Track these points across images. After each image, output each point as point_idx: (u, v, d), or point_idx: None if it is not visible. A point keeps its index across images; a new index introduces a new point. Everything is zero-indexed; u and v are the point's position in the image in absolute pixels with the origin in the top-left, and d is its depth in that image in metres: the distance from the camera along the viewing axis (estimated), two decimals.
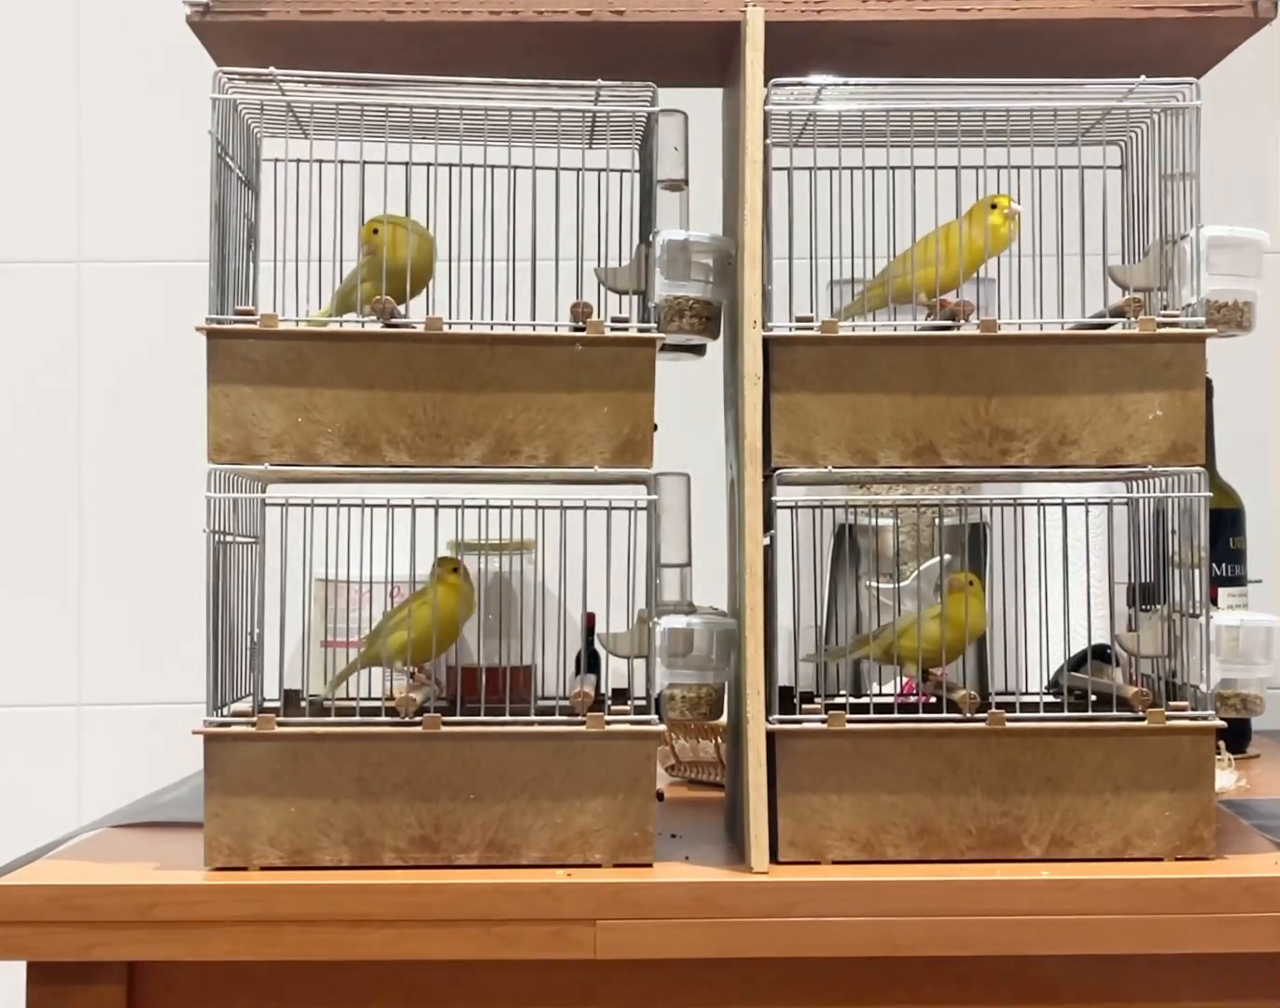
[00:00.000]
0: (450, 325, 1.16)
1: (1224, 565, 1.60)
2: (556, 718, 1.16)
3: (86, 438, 1.84)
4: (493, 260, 1.24)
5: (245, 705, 1.19)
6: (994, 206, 1.21)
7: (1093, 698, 1.23)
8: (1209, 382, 1.21)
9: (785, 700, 1.17)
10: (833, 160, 1.20)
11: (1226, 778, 1.44)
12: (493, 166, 1.22)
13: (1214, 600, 1.56)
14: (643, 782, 1.15)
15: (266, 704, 1.19)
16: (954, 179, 1.21)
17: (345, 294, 1.22)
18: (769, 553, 1.15)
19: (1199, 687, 1.16)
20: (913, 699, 1.28)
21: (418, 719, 1.14)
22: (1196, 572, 1.18)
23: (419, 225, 1.20)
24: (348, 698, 1.28)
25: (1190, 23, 1.23)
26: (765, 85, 1.16)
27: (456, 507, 1.19)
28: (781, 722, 1.15)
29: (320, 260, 1.22)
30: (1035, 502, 1.27)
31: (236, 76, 1.18)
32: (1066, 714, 1.17)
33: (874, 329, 1.20)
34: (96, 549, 1.84)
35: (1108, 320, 1.21)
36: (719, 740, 1.50)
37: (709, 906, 1.10)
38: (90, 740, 1.84)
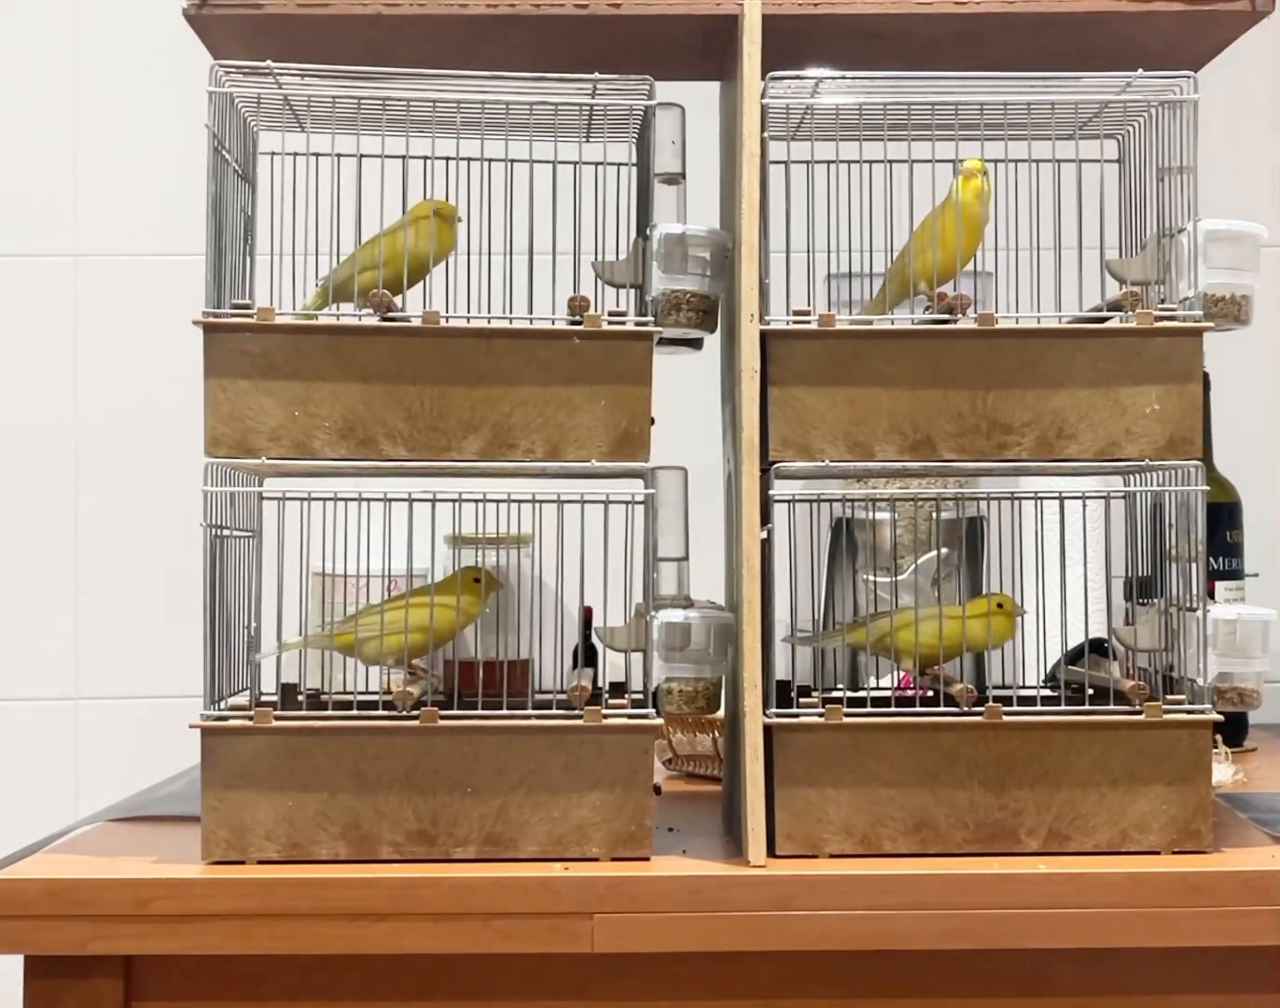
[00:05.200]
0: (447, 319, 1.16)
1: (1221, 559, 1.61)
2: (554, 712, 1.16)
3: (83, 432, 1.84)
4: (490, 254, 1.24)
5: (242, 699, 1.19)
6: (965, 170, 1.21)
7: (1090, 692, 1.23)
8: (1206, 375, 1.21)
9: (782, 694, 1.17)
10: (830, 154, 1.20)
11: (1223, 771, 1.44)
12: (489, 160, 1.22)
13: (1211, 594, 1.56)
14: (640, 775, 1.15)
15: (264, 698, 1.19)
16: (951, 173, 1.21)
17: (340, 284, 1.22)
18: (766, 547, 1.15)
19: (1196, 680, 1.17)
20: (910, 693, 1.28)
21: (415, 713, 1.14)
22: (1193, 565, 1.18)
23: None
24: (345, 692, 1.28)
25: (1188, 16, 1.23)
26: (762, 79, 1.16)
27: (454, 500, 1.19)
28: (779, 715, 1.15)
29: (317, 254, 1.22)
30: (1032, 495, 1.28)
31: (233, 70, 1.18)
32: (1064, 708, 1.17)
33: (871, 323, 1.20)
34: (93, 543, 1.84)
35: (1105, 314, 1.21)
36: (716, 734, 1.50)
37: (706, 899, 1.10)
38: (87, 734, 1.84)
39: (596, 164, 1.22)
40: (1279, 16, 1.25)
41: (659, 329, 1.17)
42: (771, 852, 1.14)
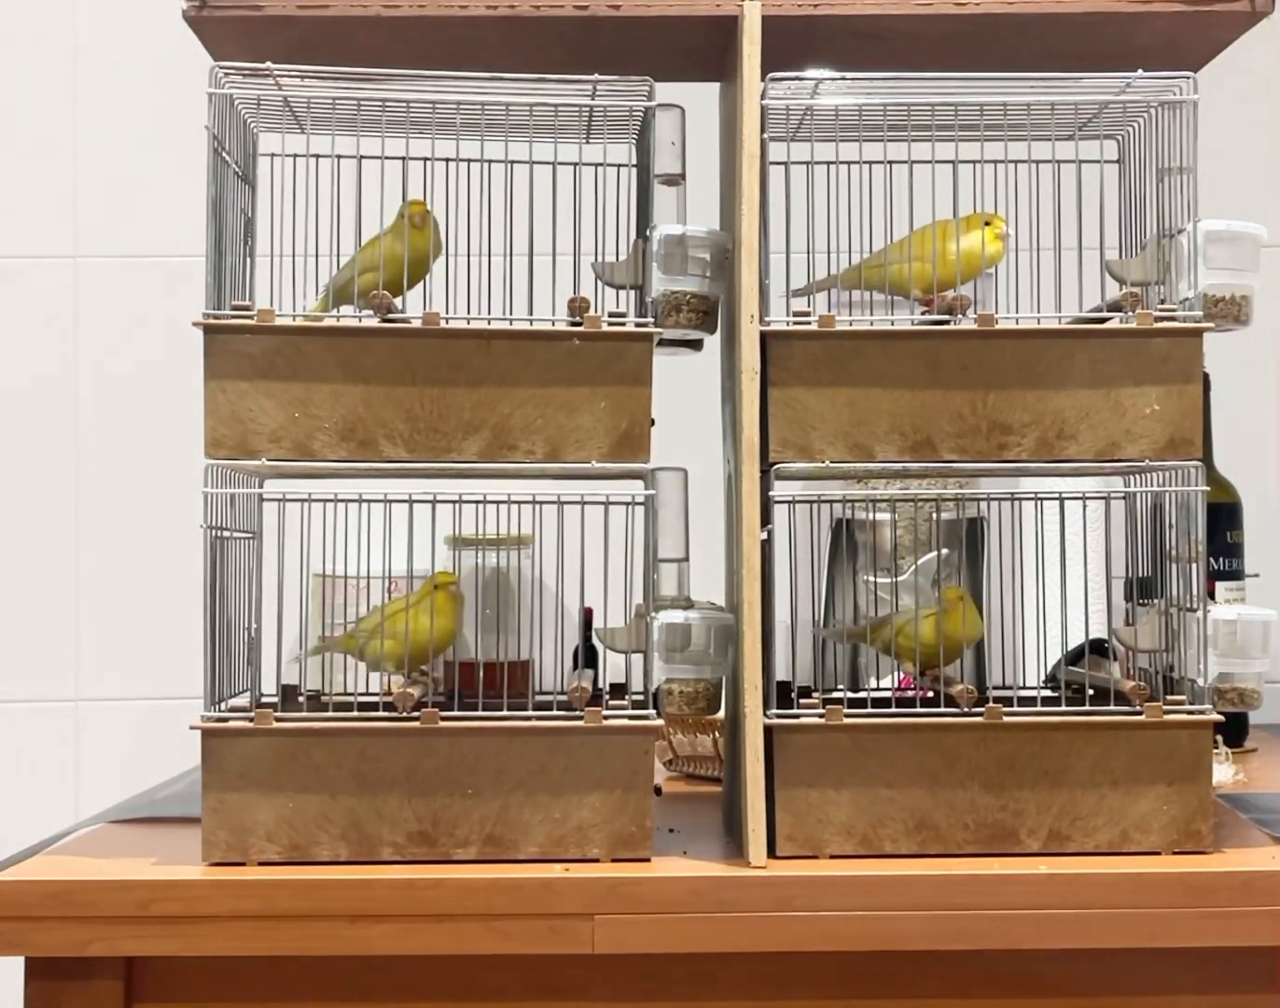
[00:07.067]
0: (447, 320, 1.16)
1: (1221, 560, 1.61)
2: (554, 713, 1.16)
3: (84, 434, 1.84)
4: (490, 255, 1.24)
5: (243, 701, 1.19)
6: (988, 224, 1.21)
7: (1090, 692, 1.23)
8: (1206, 376, 1.21)
9: (783, 695, 1.17)
10: (830, 155, 1.20)
11: (1224, 772, 1.44)
12: (489, 161, 1.22)
13: (1211, 595, 1.56)
14: (640, 777, 1.15)
15: (264, 699, 1.19)
16: (951, 174, 1.21)
17: (341, 286, 1.22)
18: (766, 548, 1.15)
19: (1196, 681, 1.17)
20: (910, 694, 1.28)
21: (415, 714, 1.14)
22: (1194, 566, 1.18)
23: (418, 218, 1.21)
24: (345, 693, 1.28)
25: (1187, 16, 1.23)
26: (762, 79, 1.16)
27: (454, 502, 1.19)
28: (779, 716, 1.15)
29: (317, 255, 1.22)
30: (1033, 496, 1.27)
31: (233, 71, 1.18)
32: (1064, 709, 1.17)
33: (871, 324, 1.20)
34: (94, 545, 1.84)
35: (1105, 315, 1.21)
36: (717, 735, 1.50)
37: (707, 900, 1.10)
38: (88, 736, 1.84)
39: (596, 165, 1.22)
40: (1279, 16, 1.25)
41: (659, 330, 1.17)
42: (772, 853, 1.14)
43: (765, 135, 1.17)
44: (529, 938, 1.10)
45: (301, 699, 1.25)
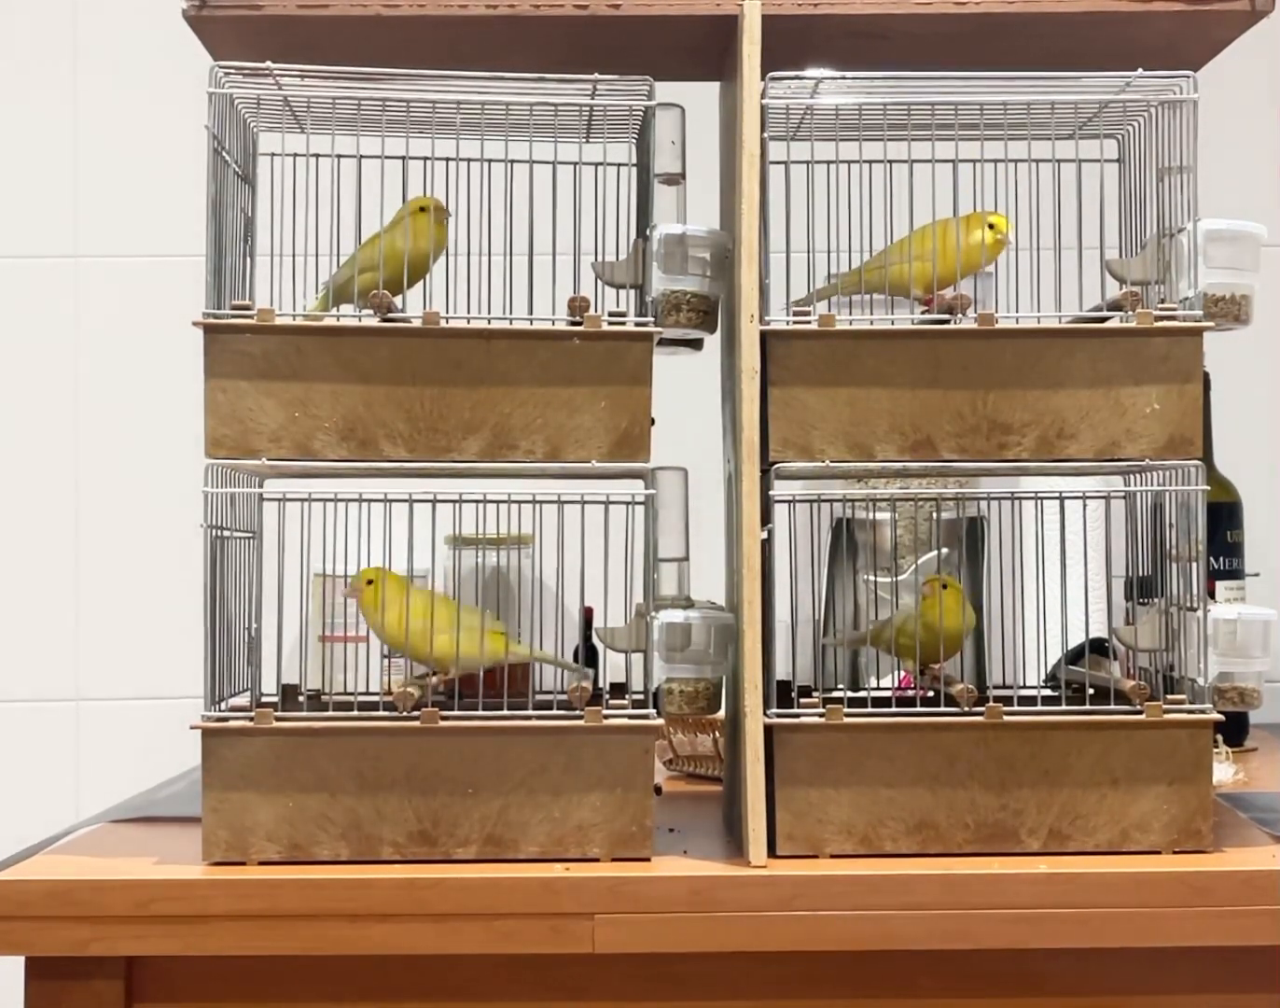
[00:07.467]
0: (447, 320, 1.16)
1: (1221, 559, 1.61)
2: (554, 712, 1.16)
3: (84, 433, 1.84)
4: (490, 254, 1.24)
5: (243, 700, 1.19)
6: (991, 226, 1.21)
7: (1090, 692, 1.23)
8: (1206, 375, 1.21)
9: (783, 695, 1.17)
10: (830, 154, 1.20)
11: (1224, 771, 1.44)
12: (489, 161, 1.22)
13: (1211, 594, 1.56)
14: (640, 776, 1.15)
15: (264, 699, 1.19)
16: (951, 173, 1.21)
17: (341, 285, 1.22)
18: (766, 547, 1.15)
19: (1196, 680, 1.17)
20: (910, 693, 1.28)
21: (415, 714, 1.14)
22: (1194, 565, 1.18)
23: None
24: (345, 692, 1.28)
25: (1187, 16, 1.23)
26: (762, 79, 1.16)
27: (454, 501, 1.19)
28: (779, 716, 1.15)
29: (317, 255, 1.22)
30: (1033, 496, 1.28)
31: (233, 71, 1.18)
32: (1064, 708, 1.17)
33: (871, 323, 1.20)
34: (94, 544, 1.84)
35: (1105, 314, 1.21)
36: (717, 734, 1.50)
37: (707, 900, 1.10)
38: (88, 735, 1.84)
39: (596, 164, 1.22)
40: (1279, 16, 1.25)
41: (659, 330, 1.17)
42: (772, 852, 1.14)
43: (765, 135, 1.17)
44: (529, 938, 1.10)
45: (301, 699, 1.25)
